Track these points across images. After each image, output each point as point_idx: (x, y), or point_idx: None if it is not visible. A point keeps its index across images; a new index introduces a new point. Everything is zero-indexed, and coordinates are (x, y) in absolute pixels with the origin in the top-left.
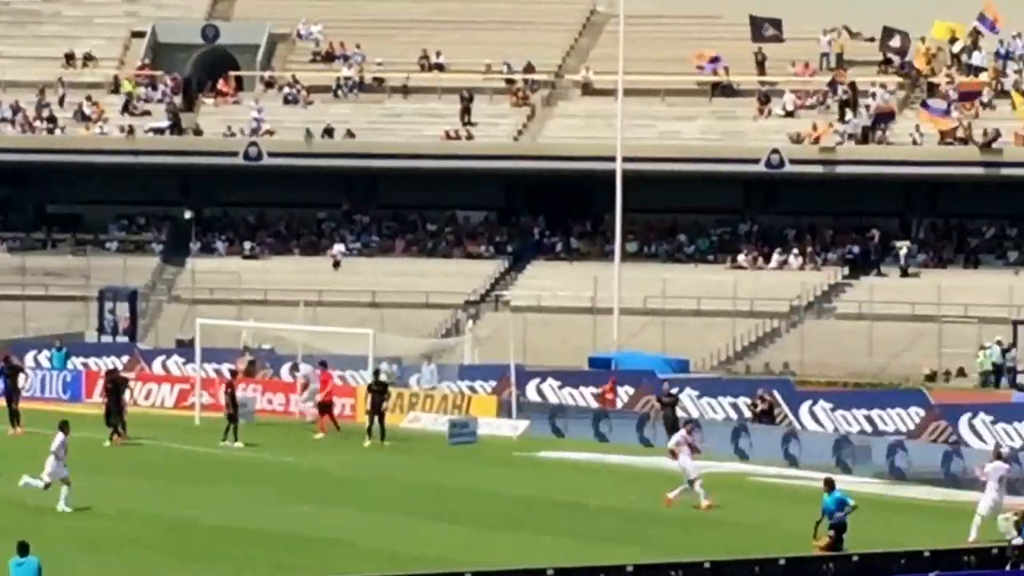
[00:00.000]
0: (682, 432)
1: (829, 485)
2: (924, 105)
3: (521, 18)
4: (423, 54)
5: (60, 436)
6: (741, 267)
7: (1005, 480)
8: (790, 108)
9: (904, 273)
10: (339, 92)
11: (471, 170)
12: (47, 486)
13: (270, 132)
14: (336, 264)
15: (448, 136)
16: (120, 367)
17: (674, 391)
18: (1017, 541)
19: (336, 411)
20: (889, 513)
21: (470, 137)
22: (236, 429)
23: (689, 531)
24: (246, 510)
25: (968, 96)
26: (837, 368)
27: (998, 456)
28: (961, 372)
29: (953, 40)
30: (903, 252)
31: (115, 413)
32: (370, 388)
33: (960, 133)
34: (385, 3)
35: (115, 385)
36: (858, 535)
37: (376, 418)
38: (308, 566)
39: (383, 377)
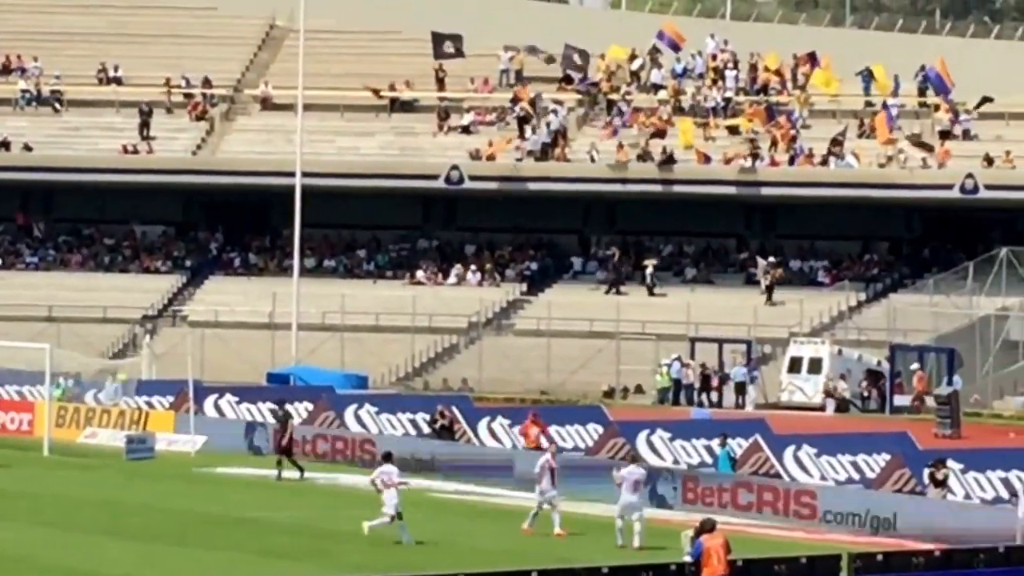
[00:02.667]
0: (546, 456)
1: None
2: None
3: (200, 32)
4: (101, 67)
5: (392, 467)
6: (420, 283)
7: (640, 484)
8: (469, 124)
9: (650, 292)
10: (16, 105)
11: (149, 184)
12: (393, 518)
13: None
14: None
15: (126, 150)
16: None
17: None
18: (687, 558)
19: (13, 427)
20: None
21: (149, 151)
22: None
23: (369, 548)
24: None
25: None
26: (516, 384)
27: (633, 460)
28: (639, 389)
29: (633, 58)
30: (649, 271)
31: None
32: None
33: (639, 150)
34: (63, 16)
35: None
36: (529, 549)
37: None
38: None
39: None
